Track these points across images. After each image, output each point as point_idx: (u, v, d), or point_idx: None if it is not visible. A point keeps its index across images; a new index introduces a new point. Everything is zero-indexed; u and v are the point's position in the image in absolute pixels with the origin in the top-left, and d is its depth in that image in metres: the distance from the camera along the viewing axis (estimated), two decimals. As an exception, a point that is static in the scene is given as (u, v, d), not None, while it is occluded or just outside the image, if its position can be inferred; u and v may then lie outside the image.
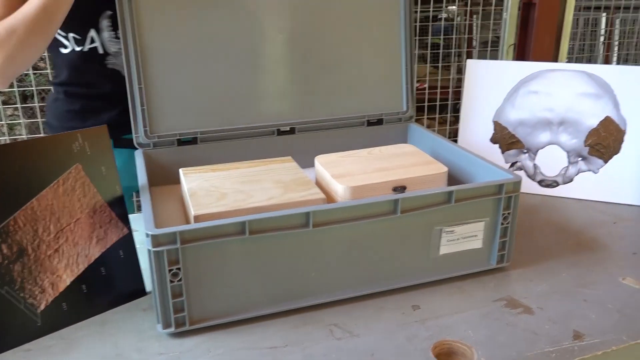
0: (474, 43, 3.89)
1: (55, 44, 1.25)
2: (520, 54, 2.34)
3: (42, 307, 0.90)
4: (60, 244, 0.91)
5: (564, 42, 2.25)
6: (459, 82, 2.72)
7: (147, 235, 0.83)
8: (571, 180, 1.38)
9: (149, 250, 0.83)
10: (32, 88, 2.31)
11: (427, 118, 3.20)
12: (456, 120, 2.74)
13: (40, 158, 0.88)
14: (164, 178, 1.21)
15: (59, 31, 1.21)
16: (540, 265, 1.09)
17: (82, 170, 0.92)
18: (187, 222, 1.03)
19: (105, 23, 1.22)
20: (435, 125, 3.18)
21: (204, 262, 0.87)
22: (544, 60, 2.23)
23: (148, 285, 0.99)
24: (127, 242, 0.98)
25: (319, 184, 1.18)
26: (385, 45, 1.35)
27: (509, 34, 2.23)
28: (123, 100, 1.09)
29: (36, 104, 2.34)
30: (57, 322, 0.91)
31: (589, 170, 1.36)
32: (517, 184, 1.02)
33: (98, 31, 1.23)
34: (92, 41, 1.23)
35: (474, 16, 3.90)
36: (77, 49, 1.23)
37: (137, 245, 0.99)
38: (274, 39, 1.26)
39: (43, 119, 2.42)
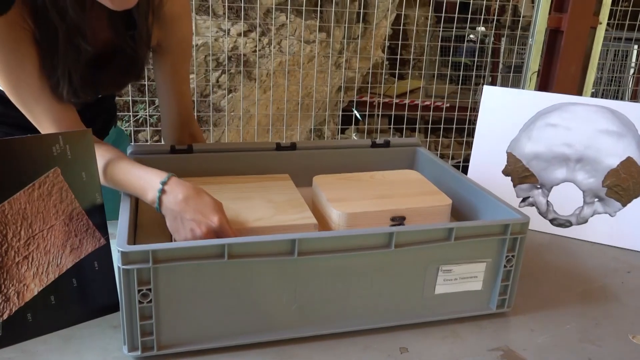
0: (500, 67, 3.81)
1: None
2: (544, 82, 2.25)
3: (5, 316, 0.84)
4: (31, 251, 0.85)
5: (591, 72, 2.16)
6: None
7: (118, 251, 0.77)
8: (585, 221, 1.29)
9: (118, 268, 0.77)
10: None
11: (444, 137, 3.13)
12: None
13: (16, 159, 0.83)
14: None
15: None
16: (544, 313, 1.01)
17: (61, 175, 0.87)
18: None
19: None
20: (451, 145, 3.11)
21: (178, 284, 0.80)
22: (568, 90, 2.14)
23: (122, 300, 0.93)
24: (103, 253, 0.92)
25: (314, 206, 1.12)
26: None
27: (533, 60, 2.15)
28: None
29: None
30: (20, 333, 0.85)
31: (606, 213, 1.27)
32: (525, 225, 0.94)
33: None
34: None
35: (502, 39, 3.82)
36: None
37: (115, 256, 0.93)
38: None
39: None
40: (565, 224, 1.31)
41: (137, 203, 1.09)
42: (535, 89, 2.27)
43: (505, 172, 1.35)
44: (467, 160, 1.41)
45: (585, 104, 1.28)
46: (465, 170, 1.41)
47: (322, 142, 1.27)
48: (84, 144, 0.89)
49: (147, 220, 1.05)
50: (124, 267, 0.77)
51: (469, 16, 2.77)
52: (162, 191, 0.89)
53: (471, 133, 2.67)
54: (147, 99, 2.62)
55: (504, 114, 1.34)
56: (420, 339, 0.91)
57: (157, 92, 1.24)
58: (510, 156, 1.34)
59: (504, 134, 1.35)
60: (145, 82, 2.52)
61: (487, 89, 1.37)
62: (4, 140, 0.82)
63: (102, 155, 0.97)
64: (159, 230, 1.02)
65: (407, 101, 3.01)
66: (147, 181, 0.91)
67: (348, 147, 1.29)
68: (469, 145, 2.63)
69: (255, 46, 2.72)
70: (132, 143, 1.17)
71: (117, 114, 1.51)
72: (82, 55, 0.98)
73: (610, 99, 3.94)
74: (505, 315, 0.99)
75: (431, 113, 2.79)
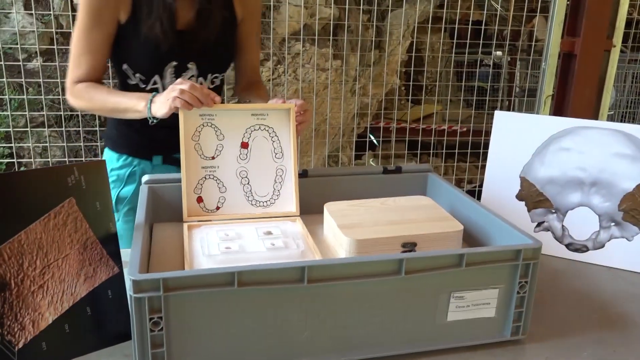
0: (516, 90, 3.81)
1: (124, 75, 1.33)
2: (559, 106, 2.25)
3: (21, 345, 0.85)
4: (46, 280, 0.87)
5: (606, 95, 2.15)
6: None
7: (130, 280, 0.78)
8: (602, 246, 1.27)
9: (130, 296, 0.78)
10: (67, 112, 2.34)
11: (461, 161, 3.12)
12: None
13: (33, 189, 0.85)
14: (169, 215, 1.17)
15: (128, 67, 1.31)
16: (560, 340, 0.99)
17: (76, 205, 0.89)
18: (187, 265, 0.98)
19: (169, 71, 1.32)
20: (466, 170, 3.09)
21: (189, 312, 0.81)
22: (583, 113, 2.13)
23: (135, 328, 0.94)
24: (117, 281, 0.94)
25: (326, 234, 1.12)
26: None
27: (547, 84, 2.14)
28: (175, 122, 1.17)
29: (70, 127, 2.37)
30: (35, 362, 0.86)
31: (623, 237, 1.26)
32: (537, 250, 0.93)
33: (162, 77, 1.32)
34: (155, 83, 1.32)
35: (517, 63, 3.83)
36: (141, 85, 1.32)
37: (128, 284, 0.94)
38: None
39: (78, 143, 2.46)
40: (582, 248, 1.29)
41: (150, 233, 1.11)
42: (550, 113, 2.26)
43: (519, 197, 1.35)
44: (482, 184, 1.41)
45: (598, 128, 1.28)
46: (481, 195, 1.40)
47: (334, 169, 1.29)
48: (98, 174, 0.92)
49: (160, 250, 1.07)
50: (135, 295, 0.78)
51: (481, 41, 2.78)
52: (152, 101, 1.18)
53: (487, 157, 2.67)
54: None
55: (516, 139, 1.34)
56: (433, 368, 0.90)
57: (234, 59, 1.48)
58: (523, 181, 1.34)
59: (516, 159, 1.35)
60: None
61: (498, 114, 1.37)
62: (21, 173, 0.85)
63: (102, 90, 1.28)
64: (172, 260, 1.03)
65: (422, 126, 3.01)
66: (141, 97, 1.22)
67: (359, 173, 1.29)
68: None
69: (271, 74, 2.76)
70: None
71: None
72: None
73: (630, 121, 3.90)
74: (520, 342, 0.98)
75: (445, 138, 2.79)
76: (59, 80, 2.28)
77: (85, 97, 1.28)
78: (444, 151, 2.83)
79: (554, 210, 1.31)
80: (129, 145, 1.42)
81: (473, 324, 0.95)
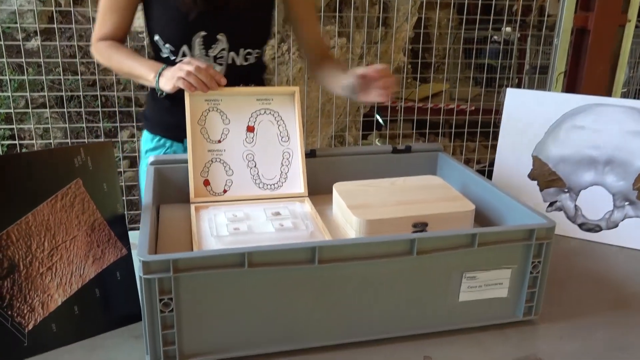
0: (526, 67, 3.77)
1: (157, 48, 1.33)
2: (571, 83, 2.23)
3: (31, 326, 0.87)
4: (54, 261, 0.88)
5: (620, 72, 2.13)
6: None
7: (139, 261, 0.79)
8: (616, 225, 1.28)
9: (140, 277, 0.79)
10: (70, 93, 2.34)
11: (470, 141, 3.11)
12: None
13: (40, 171, 0.86)
14: (176, 196, 1.18)
15: (159, 38, 1.31)
16: (573, 321, 1.00)
17: (83, 186, 0.90)
18: (195, 246, 0.99)
19: (197, 42, 1.29)
20: (476, 149, 3.08)
21: (199, 293, 0.82)
22: (596, 90, 2.12)
23: (144, 310, 0.95)
24: (125, 263, 0.95)
25: (335, 214, 1.13)
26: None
27: (559, 61, 2.13)
28: None
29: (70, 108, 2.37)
30: (45, 343, 0.88)
31: (637, 217, 1.26)
32: (551, 230, 0.94)
33: (190, 48, 1.30)
34: (184, 54, 1.30)
35: (528, 39, 3.79)
36: (172, 58, 1.31)
37: (137, 265, 0.95)
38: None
39: (80, 124, 2.46)
40: (595, 228, 1.29)
41: (157, 214, 1.12)
42: (562, 90, 2.25)
43: (532, 176, 1.34)
44: (493, 164, 1.41)
45: (613, 105, 1.27)
46: (490, 174, 1.40)
47: (342, 149, 1.28)
48: (105, 155, 0.92)
49: (168, 232, 1.07)
50: (145, 276, 0.79)
51: (492, 17, 2.75)
52: (161, 74, 1.20)
53: (497, 136, 2.66)
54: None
55: (529, 117, 1.34)
56: (445, 348, 0.91)
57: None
58: (536, 160, 1.34)
59: (529, 138, 1.34)
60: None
61: (510, 92, 1.37)
62: (27, 154, 0.86)
63: (121, 51, 1.30)
64: (180, 241, 1.04)
65: (430, 105, 3.00)
66: (152, 67, 1.23)
67: (368, 153, 1.29)
68: (495, 148, 2.61)
69: (274, 53, 2.75)
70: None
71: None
72: None
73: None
74: (532, 323, 0.99)
75: (454, 117, 2.77)
76: (59, 60, 2.27)
77: (105, 56, 1.31)
78: (452, 130, 2.82)
79: (566, 190, 1.31)
80: (160, 125, 1.42)
81: (485, 305, 0.96)
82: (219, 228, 1.01)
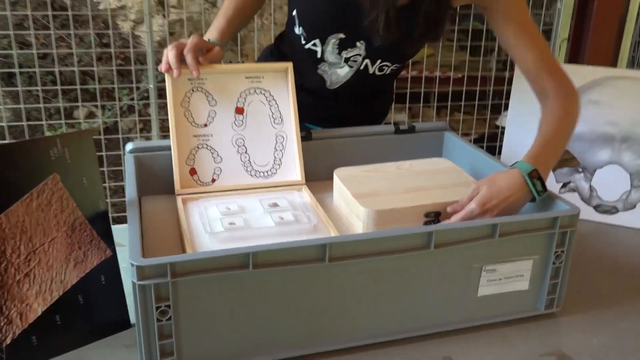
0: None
1: (292, 21, 1.28)
2: (575, 50, 2.24)
3: (8, 340, 0.84)
4: (32, 267, 0.85)
5: (626, 39, 2.14)
6: (499, 77, 2.59)
7: (132, 265, 0.76)
8: (634, 206, 1.29)
9: (134, 283, 0.77)
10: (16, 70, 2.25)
11: (464, 113, 3.07)
12: (487, 119, 2.63)
13: (11, 166, 0.82)
14: (158, 187, 1.15)
15: (296, 15, 1.26)
16: (595, 311, 1.01)
17: (60, 182, 0.86)
18: (187, 247, 0.96)
19: (332, 41, 1.24)
20: (473, 120, 3.06)
21: (199, 298, 0.80)
22: (601, 58, 2.13)
23: (133, 316, 0.93)
24: (110, 265, 0.92)
25: (337, 204, 1.11)
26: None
27: (562, 26, 2.12)
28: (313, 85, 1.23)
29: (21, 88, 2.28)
30: (25, 357, 0.85)
31: (656, 197, 1.28)
32: (575, 217, 0.94)
33: (323, 43, 1.25)
34: (315, 45, 1.26)
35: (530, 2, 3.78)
36: (302, 41, 1.26)
37: (122, 265, 0.92)
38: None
39: (27, 104, 2.37)
40: (611, 210, 1.31)
41: (140, 208, 1.09)
42: (565, 58, 2.25)
43: (543, 155, 1.35)
44: (490, 139, 1.40)
45: (631, 78, 1.28)
46: (490, 150, 1.40)
47: (341, 130, 1.26)
48: (84, 146, 0.89)
49: (153, 227, 1.05)
50: (139, 282, 0.77)
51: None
52: None
53: (487, 108, 2.62)
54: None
55: (540, 91, 1.33)
56: (465, 346, 0.92)
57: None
58: (547, 137, 1.34)
59: (539, 115, 1.34)
60: (132, 67, 2.48)
61: (519, 64, 1.35)
62: (-3, 146, 0.82)
63: (230, 5, 1.28)
64: (169, 238, 1.02)
65: (411, 73, 2.91)
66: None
67: (369, 134, 1.28)
68: (486, 122, 2.60)
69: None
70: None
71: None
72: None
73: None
74: (555, 315, 1.00)
75: (436, 88, 2.68)
76: (10, 32, 2.17)
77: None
78: (435, 103, 2.76)
79: (580, 170, 1.32)
80: None
81: (505, 298, 0.96)
82: (212, 223, 0.99)
